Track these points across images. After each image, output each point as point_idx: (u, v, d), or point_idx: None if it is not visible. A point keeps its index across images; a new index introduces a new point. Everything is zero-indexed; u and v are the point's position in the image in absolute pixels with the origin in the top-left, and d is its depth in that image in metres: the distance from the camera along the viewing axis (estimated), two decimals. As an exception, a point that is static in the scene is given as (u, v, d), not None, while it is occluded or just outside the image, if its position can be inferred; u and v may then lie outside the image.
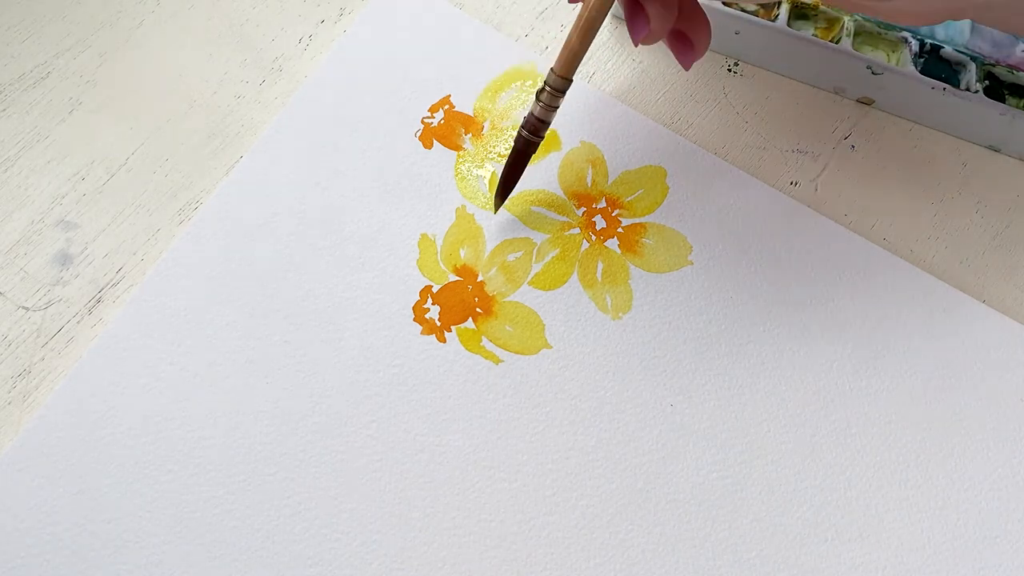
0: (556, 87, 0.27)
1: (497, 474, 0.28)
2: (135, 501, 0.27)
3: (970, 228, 0.32)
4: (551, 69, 0.27)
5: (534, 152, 0.29)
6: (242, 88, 0.34)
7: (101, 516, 0.27)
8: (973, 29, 0.34)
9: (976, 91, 0.32)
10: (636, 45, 0.27)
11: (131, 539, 0.27)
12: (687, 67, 0.28)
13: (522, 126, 0.29)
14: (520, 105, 0.33)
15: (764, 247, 0.31)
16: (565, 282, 0.31)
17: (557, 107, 0.28)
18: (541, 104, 0.28)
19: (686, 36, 0.28)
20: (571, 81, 0.28)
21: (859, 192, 0.33)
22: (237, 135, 0.33)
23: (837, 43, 0.33)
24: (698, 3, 0.27)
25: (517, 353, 0.29)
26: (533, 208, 0.32)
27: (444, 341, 0.30)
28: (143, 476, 0.27)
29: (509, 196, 0.31)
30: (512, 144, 0.29)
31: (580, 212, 0.32)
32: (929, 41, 0.33)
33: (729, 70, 0.35)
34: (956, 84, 0.33)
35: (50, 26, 0.35)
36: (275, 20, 0.36)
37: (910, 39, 0.33)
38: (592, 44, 0.35)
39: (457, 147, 0.33)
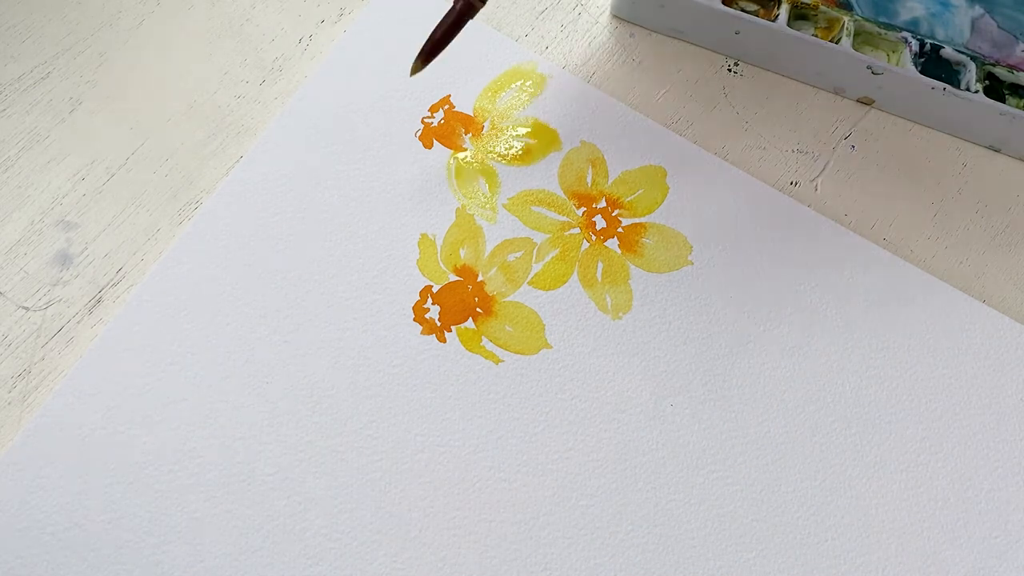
0: None
1: (497, 474, 0.28)
2: (135, 501, 0.27)
3: (970, 228, 0.32)
4: None
5: (471, 18, 0.28)
6: (242, 88, 0.34)
7: (101, 516, 0.27)
8: (973, 29, 0.34)
9: (976, 91, 0.32)
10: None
11: (131, 539, 0.27)
12: None
13: None
14: (520, 105, 0.33)
15: (764, 247, 0.31)
16: (565, 282, 0.31)
17: None
18: None
19: None
20: None
21: (859, 192, 0.33)
22: (237, 135, 0.33)
23: (837, 43, 0.33)
24: None
25: (517, 353, 0.29)
26: (533, 208, 0.32)
27: (444, 341, 0.30)
28: (143, 476, 0.27)
29: (431, 60, 0.29)
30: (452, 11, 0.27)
31: (580, 212, 0.32)
32: (929, 41, 0.33)
33: (729, 70, 0.35)
34: (956, 84, 0.33)
35: (50, 26, 0.35)
36: (275, 20, 0.36)
37: (910, 39, 0.33)
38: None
39: (457, 147, 0.33)
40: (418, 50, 0.29)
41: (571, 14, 0.36)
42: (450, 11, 0.28)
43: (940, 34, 0.34)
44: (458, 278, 0.31)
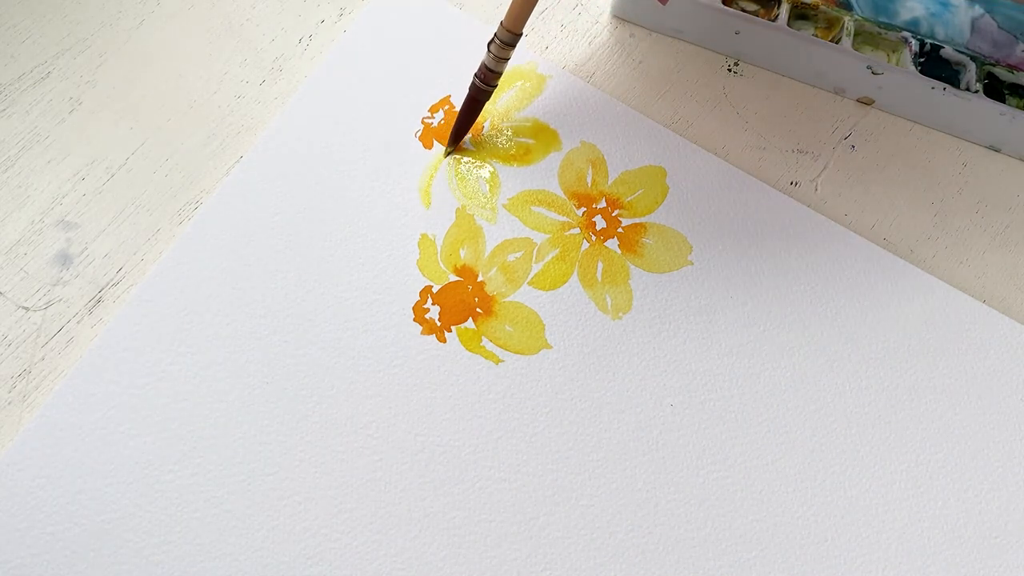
0: (505, 40, 0.30)
1: (497, 474, 0.28)
2: (135, 501, 0.27)
3: (970, 228, 0.32)
4: (500, 23, 0.29)
5: (486, 100, 0.31)
6: (242, 88, 0.34)
7: (101, 516, 0.27)
8: (973, 29, 0.34)
9: (976, 91, 0.32)
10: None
11: (131, 539, 0.27)
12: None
13: (475, 74, 0.31)
14: (520, 106, 0.33)
15: (764, 247, 0.31)
16: (565, 282, 0.31)
17: (507, 59, 0.30)
18: (492, 55, 0.30)
19: None
20: (519, 36, 0.30)
21: (859, 192, 0.33)
22: (237, 135, 0.33)
23: (837, 43, 0.33)
24: None
25: (517, 353, 0.29)
26: (533, 208, 0.32)
27: (444, 341, 0.30)
28: (143, 476, 0.27)
29: (461, 141, 0.33)
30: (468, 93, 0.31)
31: (580, 212, 0.32)
32: (929, 41, 0.33)
33: (729, 70, 0.35)
34: (956, 84, 0.33)
35: (50, 26, 0.35)
36: (275, 20, 0.36)
37: (910, 39, 0.33)
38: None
39: (457, 147, 0.33)
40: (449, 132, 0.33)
41: (571, 14, 0.36)
42: (467, 95, 0.31)
43: (940, 34, 0.34)
44: (458, 278, 0.31)
